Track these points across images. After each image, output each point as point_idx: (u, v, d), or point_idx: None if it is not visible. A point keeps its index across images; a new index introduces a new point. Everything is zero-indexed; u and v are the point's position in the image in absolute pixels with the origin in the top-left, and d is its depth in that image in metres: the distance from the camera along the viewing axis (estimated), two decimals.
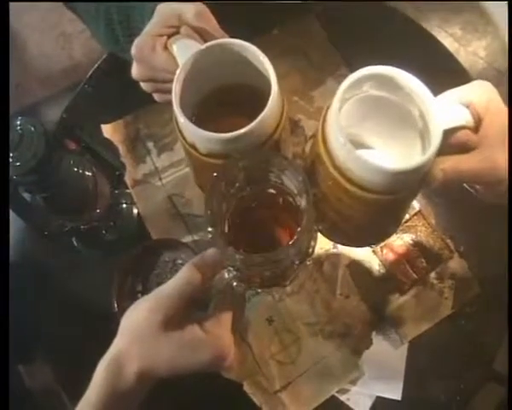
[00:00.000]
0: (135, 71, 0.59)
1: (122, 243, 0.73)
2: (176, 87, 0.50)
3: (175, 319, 0.46)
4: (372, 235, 0.57)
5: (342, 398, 0.64)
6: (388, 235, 0.60)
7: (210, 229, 0.44)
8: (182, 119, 0.49)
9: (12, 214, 0.64)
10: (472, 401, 0.64)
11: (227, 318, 0.48)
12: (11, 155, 0.54)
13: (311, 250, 0.53)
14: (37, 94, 1.71)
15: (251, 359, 0.66)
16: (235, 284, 0.51)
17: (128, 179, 0.76)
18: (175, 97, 0.50)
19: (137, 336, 0.45)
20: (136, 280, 0.67)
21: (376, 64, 0.45)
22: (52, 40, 1.71)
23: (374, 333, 0.67)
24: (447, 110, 0.44)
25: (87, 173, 0.64)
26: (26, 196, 0.62)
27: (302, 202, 0.47)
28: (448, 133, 0.44)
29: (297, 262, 0.51)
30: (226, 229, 0.52)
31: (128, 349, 0.45)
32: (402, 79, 0.45)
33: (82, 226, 0.68)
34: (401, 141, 0.50)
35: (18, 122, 0.55)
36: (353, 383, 0.65)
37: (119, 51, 0.65)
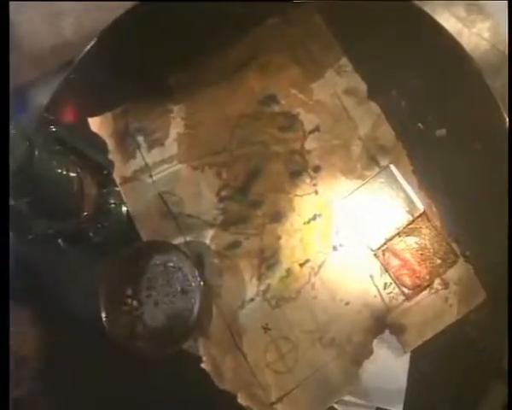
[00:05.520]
0: None
1: (111, 244, 0.70)
2: None
3: None
4: None
5: None
6: None
7: None
8: None
9: None
10: None
11: None
12: None
13: None
14: (27, 74, 1.67)
15: (246, 368, 0.63)
16: None
17: (117, 176, 0.72)
18: None
19: None
20: (125, 284, 0.65)
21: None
22: (41, 17, 1.66)
23: (375, 341, 0.64)
24: None
25: (71, 175, 0.61)
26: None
27: None
28: None
29: None
30: None
31: None
32: None
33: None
34: None
35: None
36: (353, 393, 0.63)
37: None
